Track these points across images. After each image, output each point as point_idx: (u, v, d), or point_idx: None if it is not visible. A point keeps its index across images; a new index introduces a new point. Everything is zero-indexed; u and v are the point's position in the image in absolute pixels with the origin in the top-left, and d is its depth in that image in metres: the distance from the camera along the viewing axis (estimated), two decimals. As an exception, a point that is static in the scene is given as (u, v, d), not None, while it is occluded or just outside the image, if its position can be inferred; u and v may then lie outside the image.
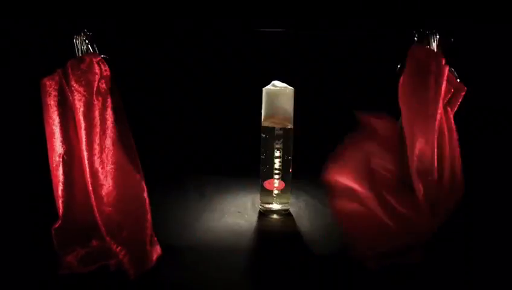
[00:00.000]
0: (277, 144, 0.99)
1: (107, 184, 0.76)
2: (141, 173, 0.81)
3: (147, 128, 1.22)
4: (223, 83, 1.37)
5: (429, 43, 0.74)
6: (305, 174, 1.16)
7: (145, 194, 0.80)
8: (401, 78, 0.77)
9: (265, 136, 1.00)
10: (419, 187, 0.71)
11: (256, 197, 1.10)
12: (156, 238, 0.81)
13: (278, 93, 0.98)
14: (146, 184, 0.82)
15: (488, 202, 0.97)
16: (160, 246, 0.81)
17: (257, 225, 0.97)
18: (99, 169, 0.75)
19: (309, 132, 1.22)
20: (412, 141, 0.72)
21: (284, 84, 0.99)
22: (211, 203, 1.11)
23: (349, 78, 1.31)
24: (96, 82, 0.75)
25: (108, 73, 0.79)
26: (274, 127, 0.98)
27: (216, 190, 1.21)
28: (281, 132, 0.98)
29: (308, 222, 0.99)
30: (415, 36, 0.75)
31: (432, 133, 0.70)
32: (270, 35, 1.20)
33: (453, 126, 0.74)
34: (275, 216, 1.02)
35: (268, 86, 0.99)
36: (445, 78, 0.70)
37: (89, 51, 0.78)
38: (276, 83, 1.00)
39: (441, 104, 0.71)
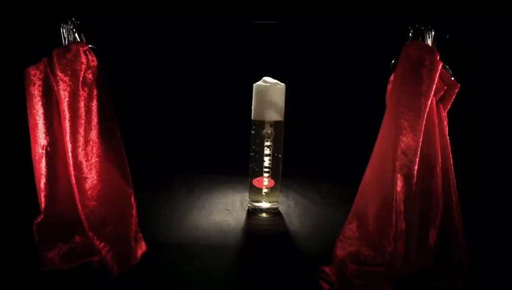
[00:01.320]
0: (267, 141, 0.97)
1: (91, 178, 0.74)
2: (127, 167, 0.79)
3: (135, 122, 1.20)
4: (213, 78, 1.35)
5: (424, 39, 0.73)
6: (295, 171, 1.17)
7: (131, 189, 0.79)
8: (393, 74, 0.76)
9: (255, 133, 0.98)
10: (398, 183, 0.70)
11: (245, 195, 1.08)
12: (141, 235, 0.79)
13: (269, 89, 0.96)
14: (132, 179, 0.80)
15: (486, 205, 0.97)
16: (146, 242, 0.78)
17: (245, 223, 0.96)
18: (84, 162, 0.73)
19: (300, 129, 1.21)
20: (397, 135, 0.70)
21: (275, 81, 0.98)
22: (199, 200, 1.09)
23: (342, 75, 1.30)
24: (83, 72, 0.73)
25: (96, 63, 0.77)
26: (264, 124, 0.96)
27: (204, 186, 1.21)
28: (272, 128, 0.96)
29: (298, 221, 0.98)
30: (410, 32, 0.74)
31: (420, 125, 0.69)
32: (261, 30, 1.18)
33: (445, 124, 0.73)
34: (263, 215, 1.01)
35: (259, 82, 0.98)
36: (438, 72, 0.69)
37: (76, 40, 0.75)
38: (267, 79, 0.98)
39: (432, 99, 0.69)
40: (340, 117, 1.35)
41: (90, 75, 0.75)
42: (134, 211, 0.78)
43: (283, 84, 0.98)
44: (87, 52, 0.76)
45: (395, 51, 0.76)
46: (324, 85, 1.33)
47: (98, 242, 0.71)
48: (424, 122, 0.68)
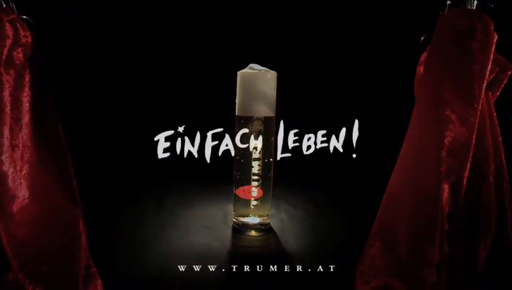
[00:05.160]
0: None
1: (21, 196, 0.57)
2: (73, 179, 0.63)
3: (86, 120, 1.06)
4: (188, 65, 1.19)
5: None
6: (284, 177, 1.01)
7: (78, 210, 0.62)
8: (425, 53, 0.62)
9: (241, 132, 0.83)
10: (444, 195, 0.54)
11: (229, 208, 0.94)
12: (95, 270, 0.62)
13: (257, 78, 0.83)
14: (82, 195, 0.64)
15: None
16: (103, 279, 0.61)
17: (231, 244, 0.80)
18: (10, 173, 0.56)
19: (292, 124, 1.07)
20: (440, 130, 0.56)
21: (264, 68, 0.84)
22: (172, 217, 0.94)
23: (345, 60, 1.16)
24: (7, 49, 0.57)
25: (30, 40, 0.61)
26: (252, 120, 0.82)
27: (179, 199, 1.06)
28: (261, 126, 0.82)
29: (294, 239, 0.82)
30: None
31: (474, 117, 0.54)
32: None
33: (495, 116, 0.59)
34: (252, 233, 0.85)
35: (245, 70, 0.84)
36: (493, 47, 0.55)
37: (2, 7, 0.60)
38: (254, 66, 0.85)
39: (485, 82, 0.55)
40: (339, 111, 1.20)
41: (20, 55, 0.59)
42: (83, 241, 0.61)
43: (274, 71, 0.84)
44: (17, 24, 0.60)
45: (420, 27, 0.63)
46: (322, 72, 1.19)
47: (31, 287, 0.54)
48: (479, 112, 0.53)
